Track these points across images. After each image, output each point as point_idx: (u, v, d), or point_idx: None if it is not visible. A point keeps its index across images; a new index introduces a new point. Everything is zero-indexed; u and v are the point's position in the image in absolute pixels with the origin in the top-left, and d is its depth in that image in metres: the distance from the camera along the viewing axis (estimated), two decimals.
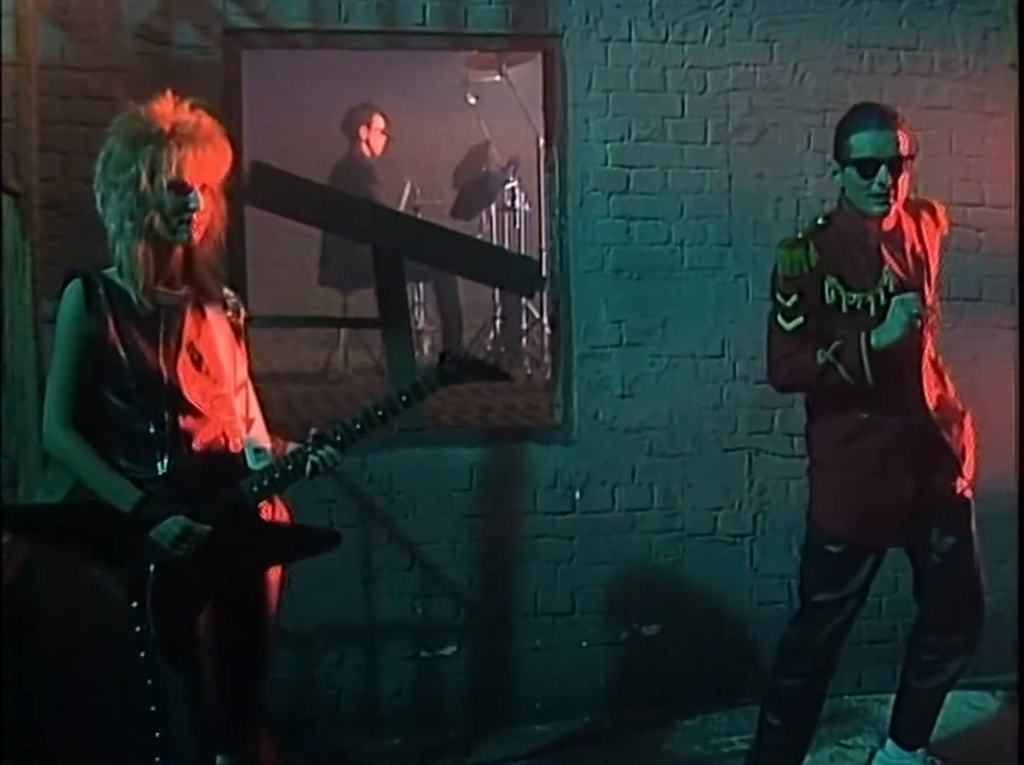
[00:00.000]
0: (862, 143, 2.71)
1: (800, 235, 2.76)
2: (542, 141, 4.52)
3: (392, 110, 6.16)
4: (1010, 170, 4.43)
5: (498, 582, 4.01)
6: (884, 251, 2.76)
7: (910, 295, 2.68)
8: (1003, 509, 4.30)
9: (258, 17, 3.73)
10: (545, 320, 5.23)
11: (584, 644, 4.05)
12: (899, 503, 2.80)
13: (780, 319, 2.79)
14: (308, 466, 2.39)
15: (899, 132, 2.71)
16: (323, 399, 4.97)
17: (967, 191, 4.52)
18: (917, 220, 2.87)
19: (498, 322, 6.13)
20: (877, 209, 2.72)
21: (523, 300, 5.93)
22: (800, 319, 2.77)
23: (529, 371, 5.65)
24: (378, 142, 6.14)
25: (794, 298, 2.76)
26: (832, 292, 2.73)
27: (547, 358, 4.79)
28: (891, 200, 2.71)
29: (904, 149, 2.72)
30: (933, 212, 2.94)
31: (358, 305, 5.72)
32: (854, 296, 2.72)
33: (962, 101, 4.52)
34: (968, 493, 2.95)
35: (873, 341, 2.71)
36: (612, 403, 4.11)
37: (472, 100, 6.52)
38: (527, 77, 5.17)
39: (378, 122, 6.11)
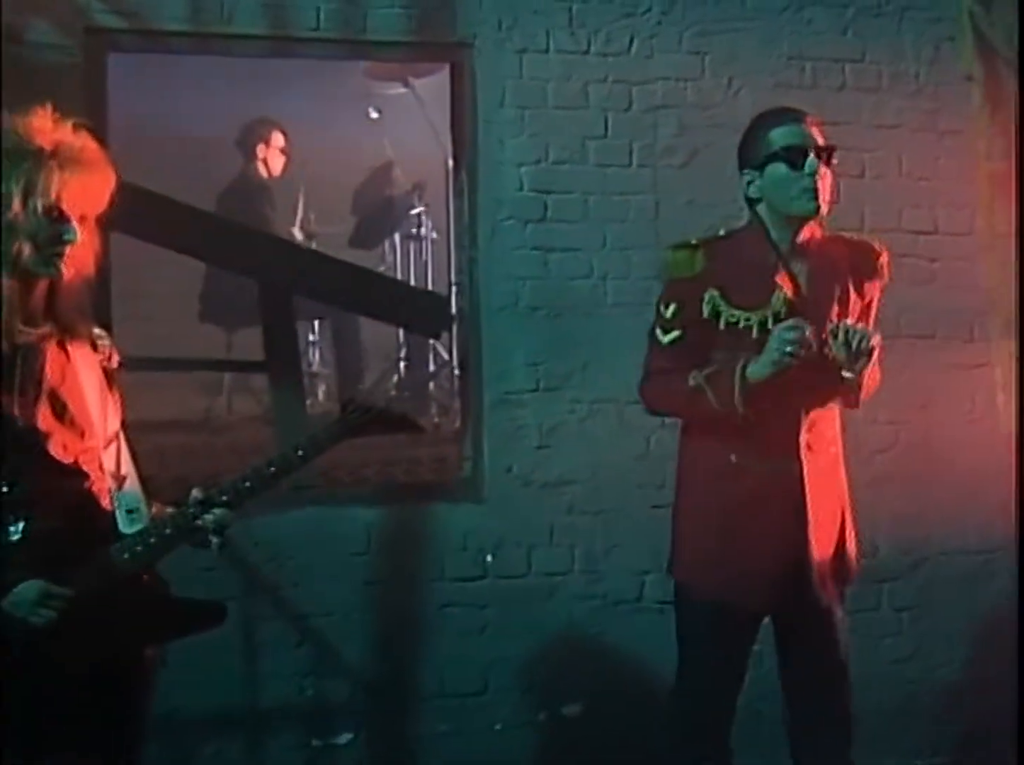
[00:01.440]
0: (785, 134, 2.81)
1: (694, 240, 2.88)
2: (451, 162, 4.74)
3: (285, 125, 6.36)
4: (967, 193, 4.87)
5: (400, 659, 4.14)
6: (782, 271, 2.83)
7: (789, 325, 2.73)
8: (960, 568, 4.70)
9: (127, 16, 3.80)
10: (455, 362, 5.41)
11: (497, 727, 4.19)
12: (763, 563, 2.84)
13: (657, 330, 2.90)
14: (192, 531, 2.37)
15: (815, 128, 2.83)
16: (204, 452, 5.05)
17: (919, 217, 4.85)
18: (847, 262, 2.93)
19: (402, 365, 6.30)
20: (809, 205, 2.77)
21: (430, 340, 6.14)
22: (677, 332, 2.86)
23: (437, 420, 5.87)
24: (276, 161, 6.31)
25: (673, 307, 2.86)
26: (710, 306, 2.81)
27: (457, 405, 4.98)
28: (820, 196, 2.77)
29: (826, 142, 2.82)
30: (873, 257, 3.00)
31: (244, 345, 5.82)
32: (735, 314, 2.79)
33: (913, 118, 4.86)
34: (839, 571, 2.96)
35: (748, 371, 2.78)
36: (528, 455, 4.31)
37: (374, 114, 6.76)
38: (436, 89, 5.32)
39: (277, 139, 6.28)
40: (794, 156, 2.79)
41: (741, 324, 2.80)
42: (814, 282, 2.85)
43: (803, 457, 2.84)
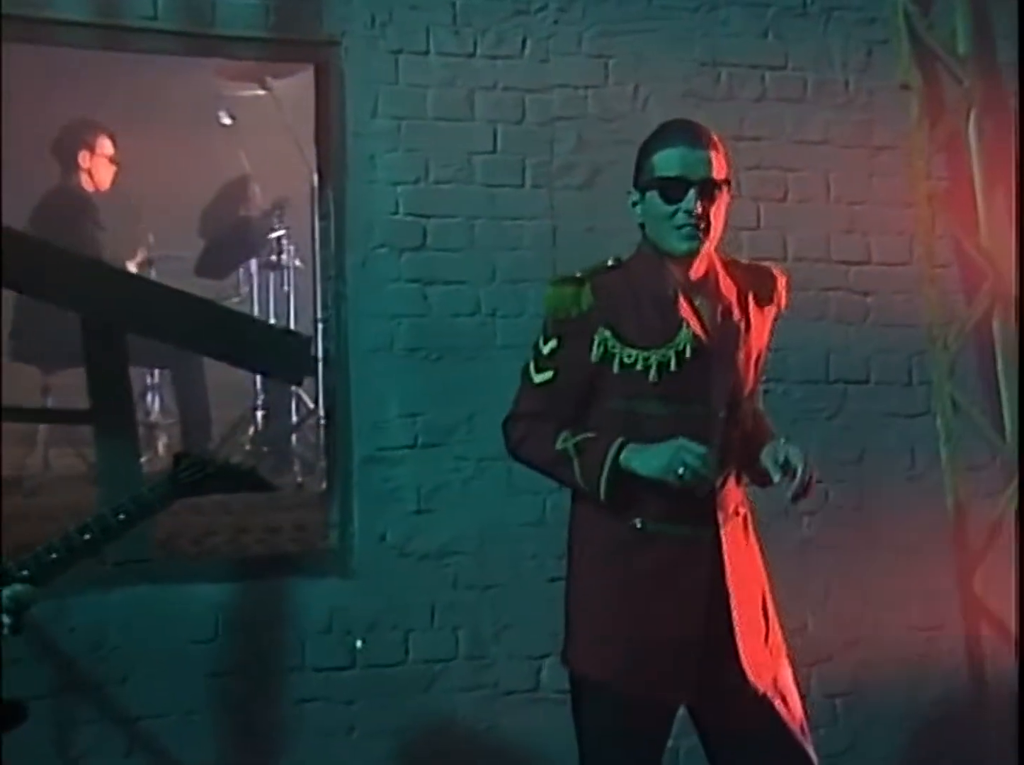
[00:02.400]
0: (668, 161, 2.81)
1: (579, 273, 2.90)
2: (316, 179, 4.75)
3: (120, 130, 6.20)
4: (904, 218, 5.01)
5: None
6: (684, 304, 2.86)
7: (697, 451, 2.71)
8: (901, 647, 4.83)
9: None
10: (321, 412, 5.38)
11: None
12: (676, 646, 2.81)
13: (531, 367, 2.91)
14: None
15: (713, 153, 2.82)
16: (14, 516, 4.76)
17: (849, 246, 4.97)
18: (744, 288, 2.96)
19: (259, 415, 6.27)
20: (683, 245, 2.80)
21: (292, 387, 6.14)
22: (550, 374, 2.87)
23: (300, 479, 5.85)
24: (104, 172, 6.18)
25: (552, 344, 2.88)
26: (601, 347, 2.82)
27: (322, 462, 4.97)
28: (700, 235, 2.80)
29: (719, 173, 2.82)
30: (770, 283, 3.03)
31: (65, 389, 5.73)
32: (633, 354, 2.80)
33: (842, 133, 4.98)
34: (768, 653, 2.94)
35: (623, 458, 2.78)
36: (404, 521, 4.33)
37: (226, 120, 6.72)
38: (299, 93, 5.25)
39: (104, 146, 6.15)
40: (672, 189, 2.80)
41: (639, 365, 2.82)
42: (718, 314, 2.89)
43: (720, 520, 2.87)
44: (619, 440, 2.81)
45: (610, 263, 2.92)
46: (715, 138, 2.87)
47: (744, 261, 3.05)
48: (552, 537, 4.14)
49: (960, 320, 5.01)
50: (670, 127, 2.91)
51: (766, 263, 3.09)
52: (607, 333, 2.82)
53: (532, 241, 4.52)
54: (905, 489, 4.90)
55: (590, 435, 2.83)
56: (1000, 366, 5.03)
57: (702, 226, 2.81)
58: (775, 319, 3.03)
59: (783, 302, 3.03)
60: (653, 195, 2.85)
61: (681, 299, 2.85)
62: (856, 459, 4.81)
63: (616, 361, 2.83)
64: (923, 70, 5.06)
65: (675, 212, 2.80)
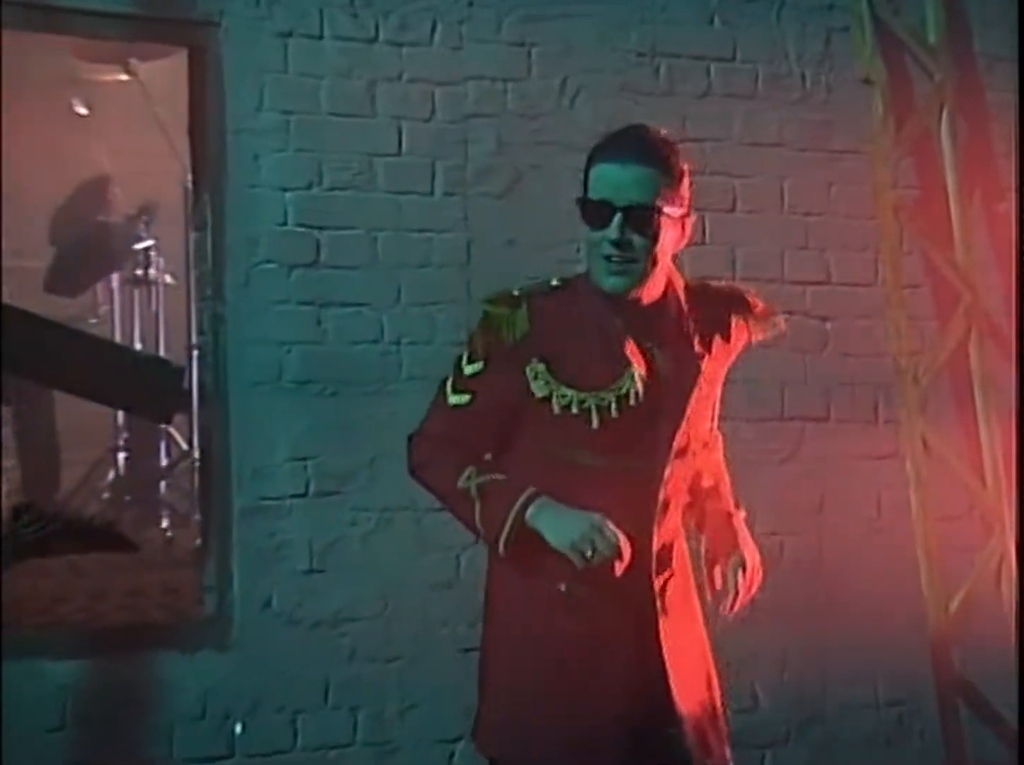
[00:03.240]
0: (599, 179, 2.79)
1: (517, 291, 2.88)
2: (190, 181, 4.75)
3: None
4: (867, 232, 5.08)
5: None
6: (631, 342, 2.85)
7: (607, 534, 2.72)
8: (866, 726, 4.88)
9: None
10: (196, 455, 5.37)
11: None
12: (608, 728, 2.82)
13: (448, 384, 2.92)
14: None
15: (658, 173, 2.77)
16: None
17: (806, 263, 5.02)
18: (709, 318, 2.93)
19: (122, 457, 6.15)
20: (607, 281, 2.77)
21: (162, 425, 6.08)
22: (467, 397, 2.87)
23: (169, 533, 5.79)
24: None
25: (476, 366, 2.88)
26: (532, 382, 2.82)
27: (197, 514, 4.94)
28: (631, 269, 2.77)
29: (661, 198, 2.76)
30: (742, 310, 3.00)
31: None
32: (568, 394, 2.79)
33: (798, 134, 5.04)
34: (714, 731, 2.96)
35: (529, 514, 2.77)
36: (294, 583, 4.31)
37: (82, 110, 6.63)
38: (170, 79, 5.22)
39: None
40: (596, 214, 2.78)
41: (574, 408, 2.81)
42: (671, 353, 2.89)
43: (655, 582, 2.88)
44: (528, 491, 2.80)
45: (554, 283, 2.91)
46: (669, 154, 2.82)
47: (717, 283, 3.05)
48: (467, 600, 4.00)
49: (932, 348, 5.07)
50: (619, 136, 2.87)
51: (743, 287, 3.09)
52: (541, 367, 2.82)
53: (443, 257, 4.55)
54: (871, 542, 4.94)
55: (498, 477, 2.83)
56: (979, 401, 5.09)
57: (632, 260, 2.78)
58: (740, 352, 3.03)
59: (758, 333, 3.02)
60: (586, 220, 2.86)
61: (630, 336, 2.85)
62: (815, 507, 4.88)
63: (555, 400, 2.83)
64: (889, 62, 5.12)
65: (601, 240, 2.78)
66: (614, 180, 2.76)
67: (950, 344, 5.09)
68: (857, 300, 5.02)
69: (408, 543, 4.41)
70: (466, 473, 2.85)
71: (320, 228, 4.44)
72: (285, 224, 4.41)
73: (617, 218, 2.74)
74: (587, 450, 2.84)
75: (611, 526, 2.76)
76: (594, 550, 2.72)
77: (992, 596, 4.99)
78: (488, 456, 2.91)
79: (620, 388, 2.81)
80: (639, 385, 2.82)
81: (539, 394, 2.82)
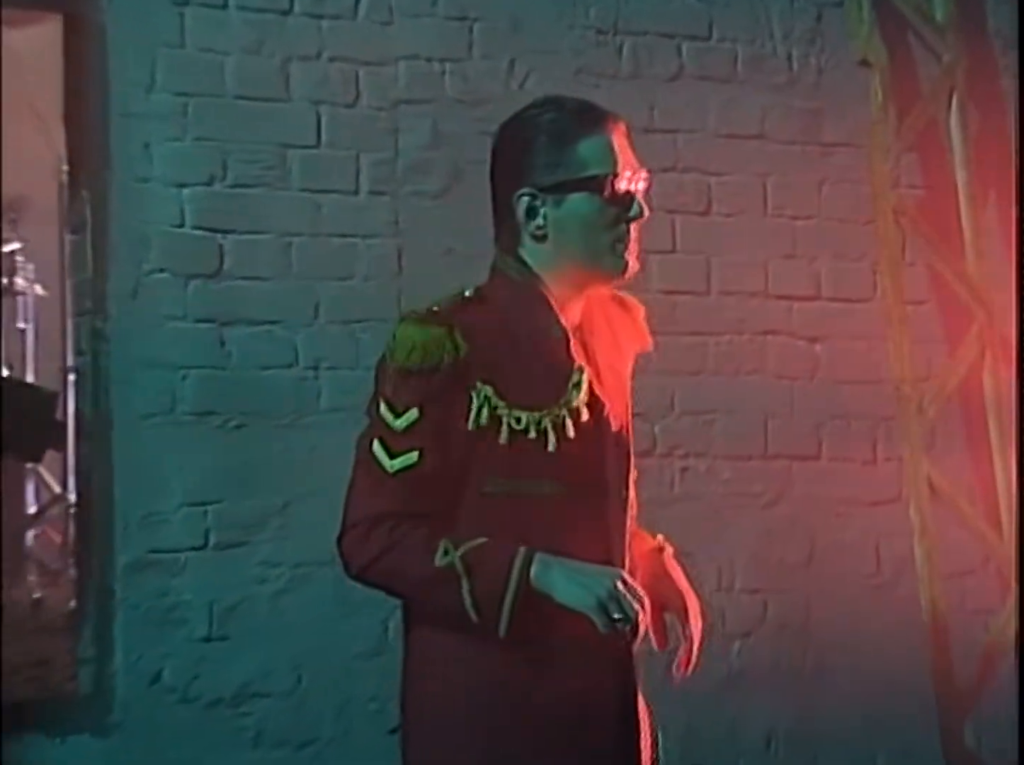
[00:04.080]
0: (601, 150, 2.85)
1: (437, 308, 2.86)
2: (65, 172, 4.69)
3: None
4: (864, 239, 5.09)
5: None
6: (577, 347, 2.90)
7: (636, 591, 2.72)
8: None
9: None
10: (72, 500, 5.18)
11: None
12: None
13: (377, 449, 2.83)
14: None
15: (626, 137, 2.91)
16: None
17: (792, 275, 5.03)
18: (614, 326, 3.04)
19: None
20: (619, 264, 2.87)
21: (29, 464, 6.03)
22: (413, 456, 2.80)
23: (38, 594, 5.72)
24: None
25: (412, 414, 2.81)
26: (483, 409, 2.81)
27: (73, 570, 4.80)
28: (632, 250, 2.89)
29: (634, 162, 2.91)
30: (632, 317, 3.10)
31: None
32: (523, 417, 2.80)
33: (784, 125, 5.05)
34: None
35: (535, 574, 2.73)
36: (189, 653, 4.28)
37: None
38: (43, 48, 5.10)
39: None
40: (618, 190, 2.85)
41: (531, 432, 2.80)
42: (602, 359, 2.95)
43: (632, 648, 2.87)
44: (523, 550, 2.75)
45: (467, 294, 2.91)
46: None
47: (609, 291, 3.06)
48: (396, 672, 4.15)
49: (940, 375, 5.10)
50: (582, 105, 2.91)
51: (623, 293, 3.08)
52: (487, 390, 2.81)
53: (370, 267, 4.56)
54: (869, 601, 4.94)
55: (480, 541, 2.77)
56: (993, 436, 5.12)
57: (634, 238, 2.90)
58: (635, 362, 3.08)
59: (646, 342, 3.08)
60: (583, 198, 2.85)
61: (571, 340, 2.89)
62: (803, 560, 4.89)
63: (506, 426, 2.81)
64: (889, 42, 5.14)
65: (616, 223, 2.85)
66: (611, 150, 2.85)
67: (960, 370, 5.12)
68: (852, 318, 5.05)
69: (327, 604, 4.37)
70: (442, 548, 2.78)
71: (223, 231, 4.44)
72: (181, 226, 4.41)
73: (638, 199, 2.85)
74: (543, 479, 2.83)
75: (631, 580, 2.76)
76: (622, 609, 2.71)
77: (1010, 665, 4.97)
78: None
79: (570, 401, 2.85)
80: (587, 395, 2.86)
81: (490, 422, 2.81)
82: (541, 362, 2.85)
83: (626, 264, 2.88)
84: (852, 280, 5.07)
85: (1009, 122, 5.17)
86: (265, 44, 4.49)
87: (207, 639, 4.34)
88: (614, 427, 2.90)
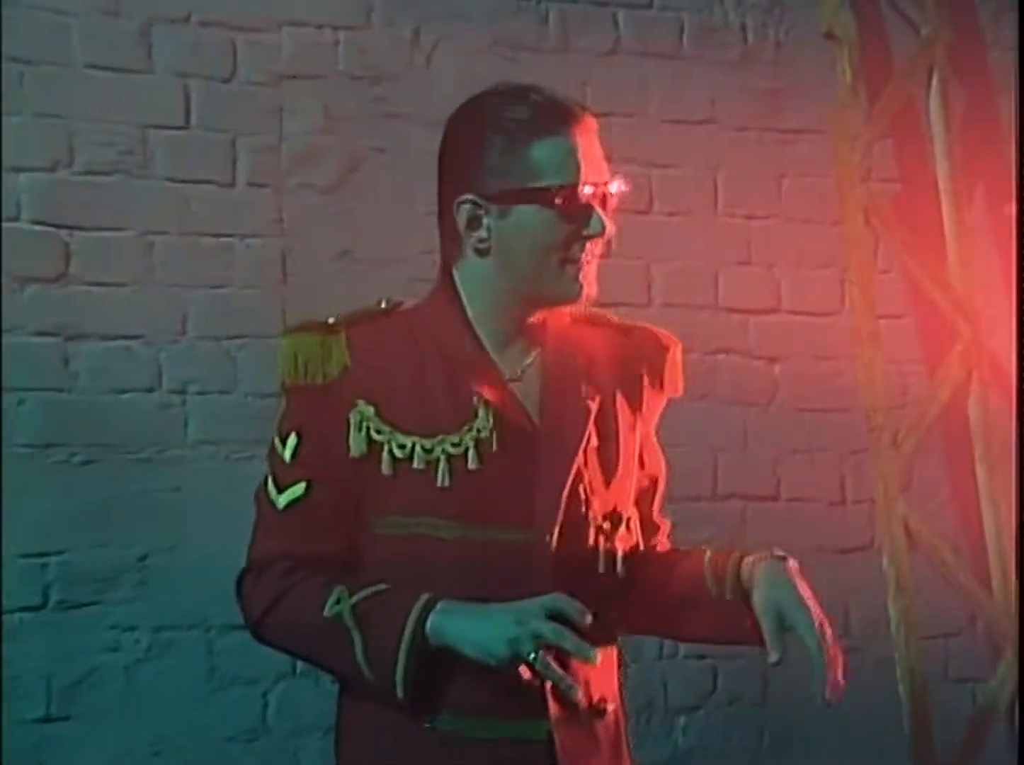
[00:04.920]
0: (559, 155, 2.86)
1: (332, 319, 2.90)
2: None
3: None
4: (830, 243, 5.09)
5: None
6: (492, 371, 2.92)
7: (564, 604, 2.74)
8: None
9: None
10: None
11: None
12: None
13: (270, 483, 2.92)
14: None
15: (595, 139, 2.91)
16: None
17: (747, 285, 5.03)
18: (613, 360, 3.03)
19: None
20: (572, 288, 2.89)
21: None
22: (300, 487, 2.87)
23: None
24: None
25: (293, 440, 2.89)
26: (361, 431, 2.85)
27: None
28: (590, 272, 2.89)
29: (606, 172, 2.92)
30: (658, 355, 3.07)
31: None
32: (404, 442, 2.84)
33: (736, 108, 5.05)
34: None
35: (432, 625, 2.77)
36: (23, 738, 4.20)
37: None
38: None
39: None
40: (574, 204, 2.85)
41: (418, 462, 2.83)
42: (552, 394, 2.95)
43: (555, 718, 2.85)
44: (422, 598, 2.77)
45: (384, 306, 2.96)
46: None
47: (620, 321, 3.08)
48: (278, 756, 4.29)
49: (918, 402, 5.11)
50: (542, 98, 2.89)
51: (649, 326, 3.08)
52: (369, 410, 2.85)
53: (249, 273, 4.53)
54: None
55: (379, 588, 2.82)
56: (980, 473, 5.10)
57: (591, 258, 2.91)
58: (661, 409, 3.08)
59: (678, 382, 3.09)
60: (534, 211, 2.85)
61: (486, 364, 2.93)
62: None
63: (385, 455, 2.85)
64: (859, 11, 5.12)
65: (570, 241, 2.86)
66: (572, 156, 2.84)
67: (942, 396, 5.12)
68: (816, 335, 5.05)
69: (196, 675, 4.35)
70: (334, 595, 2.82)
71: (69, 227, 4.37)
72: (17, 220, 4.33)
73: (596, 212, 2.83)
74: (441, 519, 2.85)
75: (566, 601, 2.76)
76: (538, 650, 2.71)
77: (1003, 741, 4.98)
78: None
79: (478, 429, 2.86)
80: (502, 424, 2.87)
81: (370, 448, 2.85)
82: (443, 384, 2.88)
83: (580, 289, 2.88)
84: (816, 290, 5.07)
85: (1000, 104, 5.17)
86: (122, 3, 4.42)
87: (45, 719, 4.27)
88: (547, 463, 2.88)
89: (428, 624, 2.76)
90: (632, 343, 3.07)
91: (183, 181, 4.48)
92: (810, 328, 5.04)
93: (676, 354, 3.09)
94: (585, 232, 2.83)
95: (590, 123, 2.89)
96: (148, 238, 4.43)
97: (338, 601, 2.80)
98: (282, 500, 2.86)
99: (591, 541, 2.92)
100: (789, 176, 5.05)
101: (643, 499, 3.06)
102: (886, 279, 5.12)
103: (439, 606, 2.77)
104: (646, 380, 3.05)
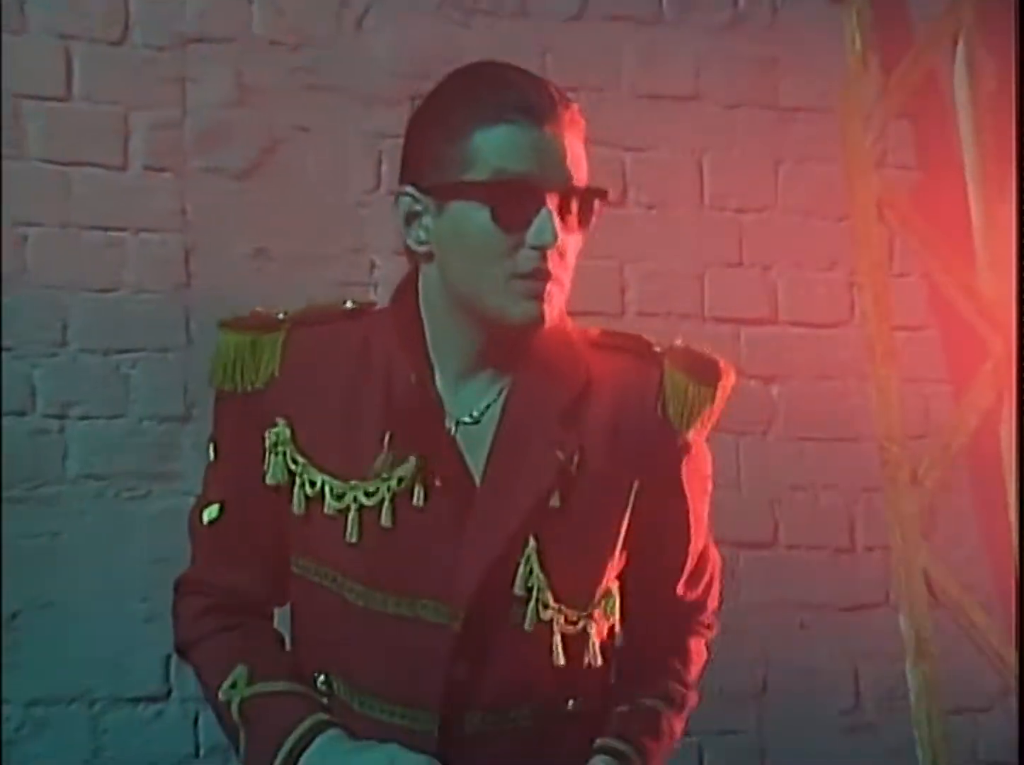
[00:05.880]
0: (503, 145, 2.82)
1: (281, 314, 2.93)
2: None
3: None
4: (837, 240, 5.08)
5: None
6: (433, 403, 2.90)
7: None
8: None
9: None
10: None
11: None
12: None
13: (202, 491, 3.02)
14: None
15: (572, 135, 2.85)
16: None
17: (738, 290, 5.02)
18: (616, 391, 2.94)
19: None
20: (519, 308, 2.84)
21: None
22: (215, 509, 2.93)
23: None
24: None
25: (211, 454, 2.96)
26: (274, 458, 2.86)
27: None
28: (553, 291, 2.84)
29: (579, 173, 2.85)
30: (705, 385, 2.98)
31: None
32: (318, 482, 2.83)
33: (726, 82, 5.04)
34: None
35: (307, 760, 2.81)
36: None
37: None
38: None
39: None
40: (516, 203, 2.81)
41: (326, 506, 2.83)
42: (506, 442, 2.91)
43: None
44: (307, 722, 2.82)
45: (348, 305, 2.98)
46: (569, 105, 2.88)
47: (648, 341, 3.01)
48: None
49: (942, 430, 5.13)
50: (498, 79, 2.87)
51: (689, 347, 3.00)
52: (284, 433, 2.87)
53: (145, 273, 4.54)
54: (844, 746, 4.92)
55: (277, 688, 2.86)
56: (1014, 515, 5.06)
57: (553, 278, 2.83)
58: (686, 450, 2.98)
59: (714, 415, 3.00)
60: (472, 210, 2.82)
61: (431, 395, 2.90)
62: (754, 690, 4.89)
63: (297, 490, 2.87)
64: None
65: (515, 247, 2.80)
66: (533, 147, 2.80)
67: (970, 422, 5.13)
68: (821, 350, 5.05)
69: (77, 759, 4.35)
70: (232, 677, 2.88)
71: None
72: None
73: (543, 214, 2.77)
74: (349, 577, 2.86)
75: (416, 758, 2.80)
76: None
77: None
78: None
79: (400, 480, 2.83)
80: (429, 478, 2.83)
81: (279, 478, 2.86)
82: (374, 417, 2.87)
83: (536, 311, 2.83)
84: (820, 297, 5.06)
85: None
86: None
87: None
88: (491, 531, 2.85)
89: (305, 756, 2.79)
90: (655, 371, 2.97)
91: (63, 163, 4.48)
92: (813, 342, 5.03)
93: (727, 386, 3.00)
94: (530, 240, 2.77)
95: (570, 118, 2.83)
96: (20, 230, 4.42)
97: (234, 685, 2.86)
98: (205, 516, 2.91)
99: (527, 629, 2.87)
100: (787, 161, 5.05)
101: (647, 584, 2.98)
102: (903, 284, 5.11)
103: (322, 739, 2.81)
104: (673, 422, 2.94)
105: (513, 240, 2.79)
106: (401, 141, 2.87)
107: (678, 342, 3.01)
